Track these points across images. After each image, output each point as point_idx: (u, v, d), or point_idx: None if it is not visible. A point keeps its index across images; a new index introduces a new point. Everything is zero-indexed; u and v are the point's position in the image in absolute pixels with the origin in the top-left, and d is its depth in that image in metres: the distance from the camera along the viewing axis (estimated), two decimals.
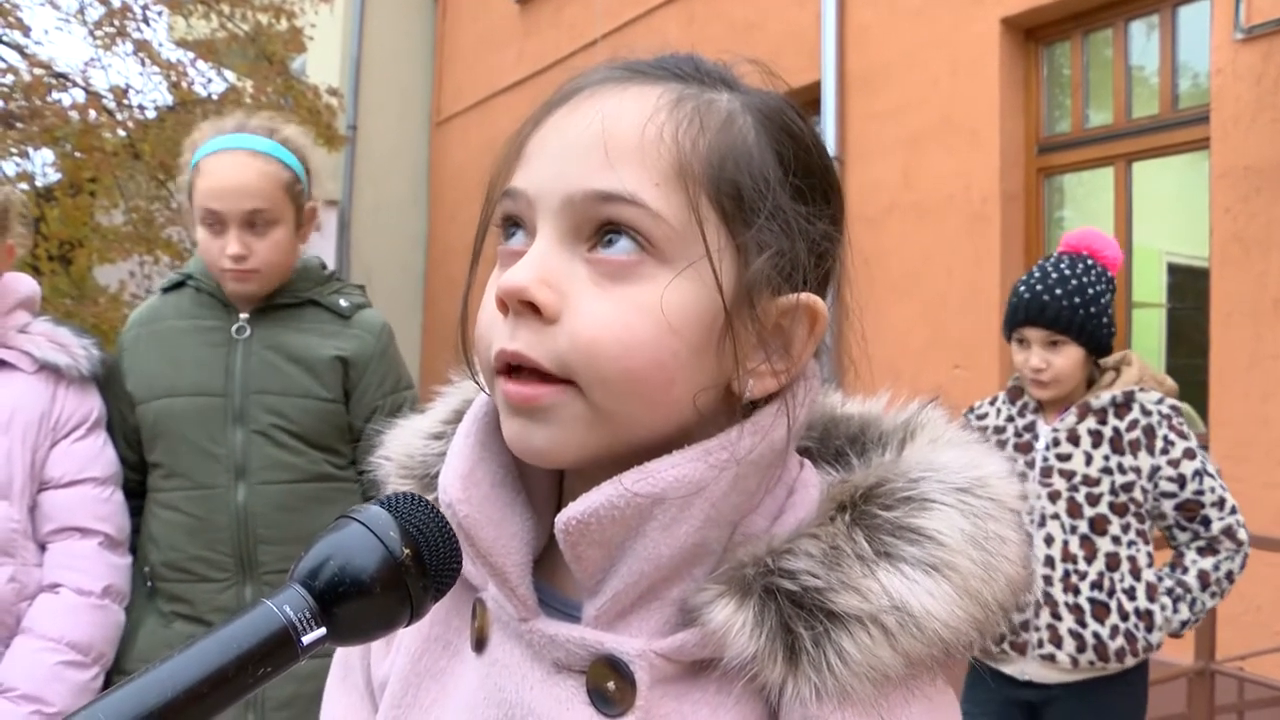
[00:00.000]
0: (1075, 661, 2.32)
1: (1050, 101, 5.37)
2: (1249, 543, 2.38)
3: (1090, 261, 2.43)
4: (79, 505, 1.80)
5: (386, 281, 9.89)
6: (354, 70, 10.45)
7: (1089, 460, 2.36)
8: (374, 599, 0.53)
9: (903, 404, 0.74)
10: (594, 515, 0.61)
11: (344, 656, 0.82)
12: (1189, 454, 2.33)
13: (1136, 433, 2.35)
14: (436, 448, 0.76)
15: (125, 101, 7.29)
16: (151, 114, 7.44)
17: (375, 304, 2.06)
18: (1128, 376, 2.41)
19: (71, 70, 7.19)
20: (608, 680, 0.62)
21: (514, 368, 0.62)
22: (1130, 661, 2.33)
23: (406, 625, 0.56)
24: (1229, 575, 2.36)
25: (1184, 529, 2.37)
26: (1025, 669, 2.38)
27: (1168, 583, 2.36)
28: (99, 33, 7.20)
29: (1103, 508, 2.34)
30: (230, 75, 8.05)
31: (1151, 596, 2.34)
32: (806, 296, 0.65)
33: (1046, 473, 2.39)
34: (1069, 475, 2.37)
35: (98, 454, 1.84)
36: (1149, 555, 2.37)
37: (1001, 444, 2.46)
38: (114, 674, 1.81)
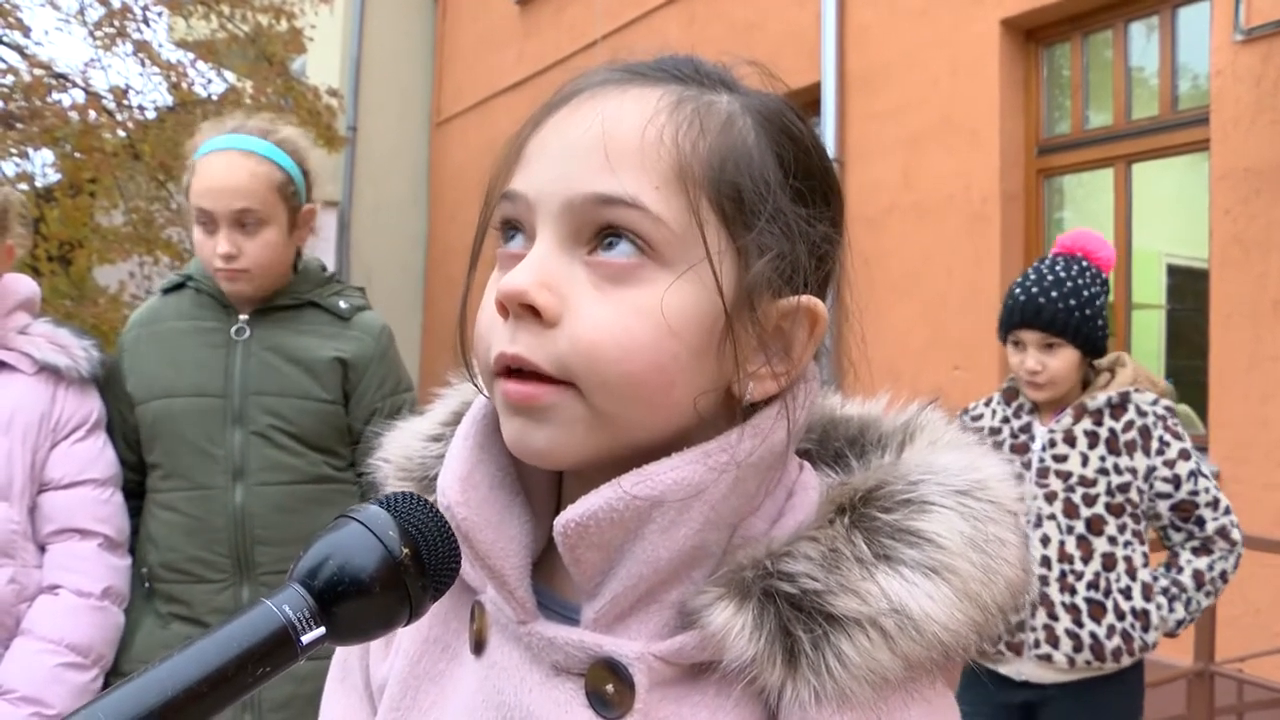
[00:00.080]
0: (1072, 661, 2.32)
1: (1050, 103, 5.38)
2: (1242, 543, 2.40)
3: (1085, 263, 2.44)
4: (79, 507, 1.80)
5: (386, 282, 9.90)
6: (354, 71, 10.46)
7: (1085, 461, 2.37)
8: (373, 598, 0.53)
9: (902, 406, 0.74)
10: (592, 518, 0.61)
11: (343, 658, 0.82)
12: (1184, 455, 2.35)
13: (1132, 433, 2.36)
14: (435, 450, 0.76)
15: (125, 102, 7.29)
16: (151, 115, 7.44)
17: (375, 304, 2.06)
18: (1122, 378, 2.43)
19: (71, 71, 7.20)
20: (606, 683, 0.62)
21: (514, 370, 0.62)
22: (1126, 661, 2.34)
23: (405, 625, 0.56)
24: (1223, 575, 2.37)
25: (1179, 529, 2.38)
26: (1021, 669, 2.39)
27: (1163, 582, 2.38)
28: (99, 33, 7.20)
29: (1099, 508, 2.35)
30: (230, 76, 8.05)
31: (1147, 596, 2.35)
32: (807, 299, 0.65)
33: (1043, 473, 2.40)
34: (1065, 476, 2.38)
35: (97, 455, 1.84)
36: (1145, 555, 2.39)
37: (997, 445, 2.46)
38: (111, 675, 1.81)
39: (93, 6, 7.25)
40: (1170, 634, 2.40)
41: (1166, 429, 2.36)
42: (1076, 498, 2.36)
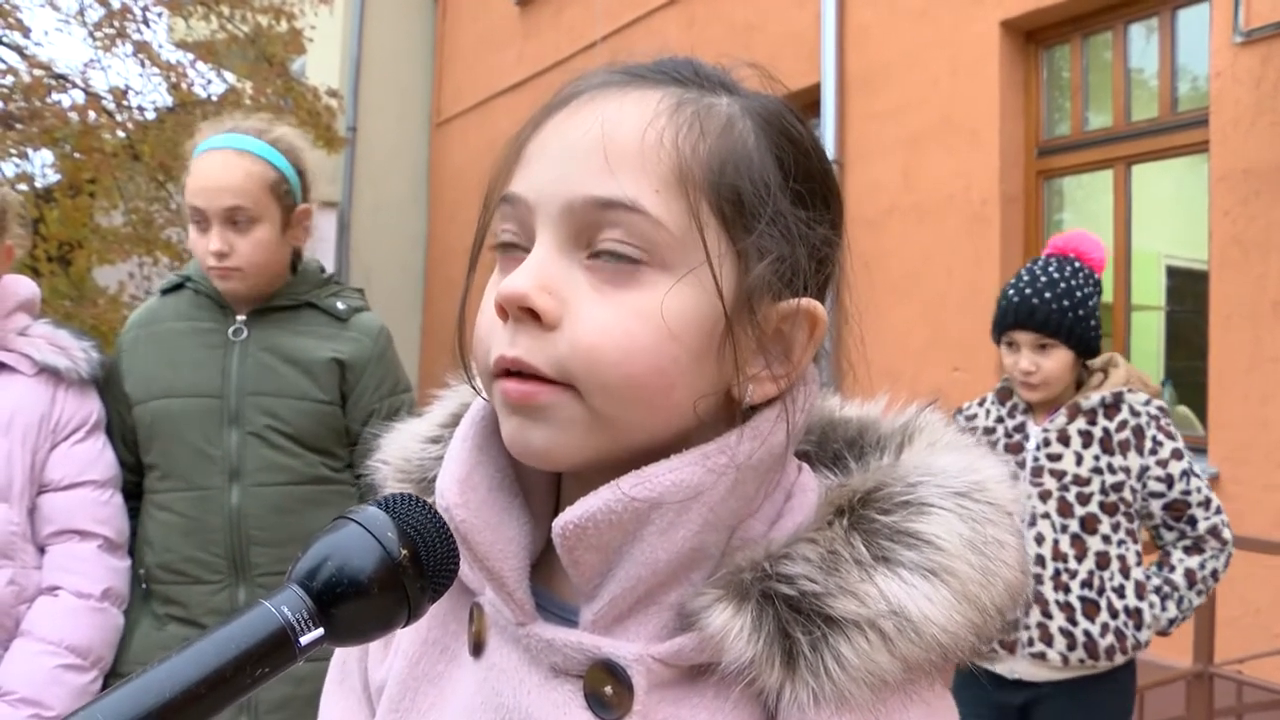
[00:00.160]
0: (1065, 659, 2.34)
1: (1050, 104, 5.38)
2: (1233, 542, 2.43)
3: (1078, 264, 2.46)
4: (78, 508, 1.80)
5: (386, 282, 9.90)
6: (354, 71, 10.46)
7: (1079, 460, 2.39)
8: (372, 599, 0.53)
9: (901, 407, 0.74)
10: (591, 520, 0.61)
11: (342, 659, 0.82)
12: (1177, 454, 2.38)
13: (1126, 433, 2.39)
14: (434, 451, 0.76)
15: (125, 103, 7.29)
16: (151, 115, 7.44)
17: (374, 305, 2.06)
18: (1115, 378, 2.45)
19: (71, 71, 7.20)
20: (605, 685, 0.62)
21: (513, 373, 0.62)
22: (1119, 659, 2.36)
23: (404, 626, 0.56)
24: (1214, 574, 2.40)
25: (1170, 528, 2.41)
26: (1015, 667, 2.40)
27: (1155, 581, 2.40)
28: (99, 34, 7.20)
29: (1093, 507, 2.37)
30: (230, 77, 8.05)
31: (1141, 595, 2.37)
32: (807, 302, 0.65)
33: (1037, 472, 2.42)
34: (1060, 475, 2.40)
35: (97, 457, 1.84)
36: (1138, 554, 2.42)
37: (991, 445, 2.47)
38: (109, 677, 1.81)
39: (92, 7, 7.25)
40: (1162, 632, 2.43)
41: (1159, 429, 2.39)
42: (1071, 497, 2.38)
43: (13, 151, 6.91)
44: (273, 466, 1.84)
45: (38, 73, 6.94)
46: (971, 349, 5.15)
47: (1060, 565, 2.36)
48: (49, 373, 1.81)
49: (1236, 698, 3.64)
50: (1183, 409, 4.80)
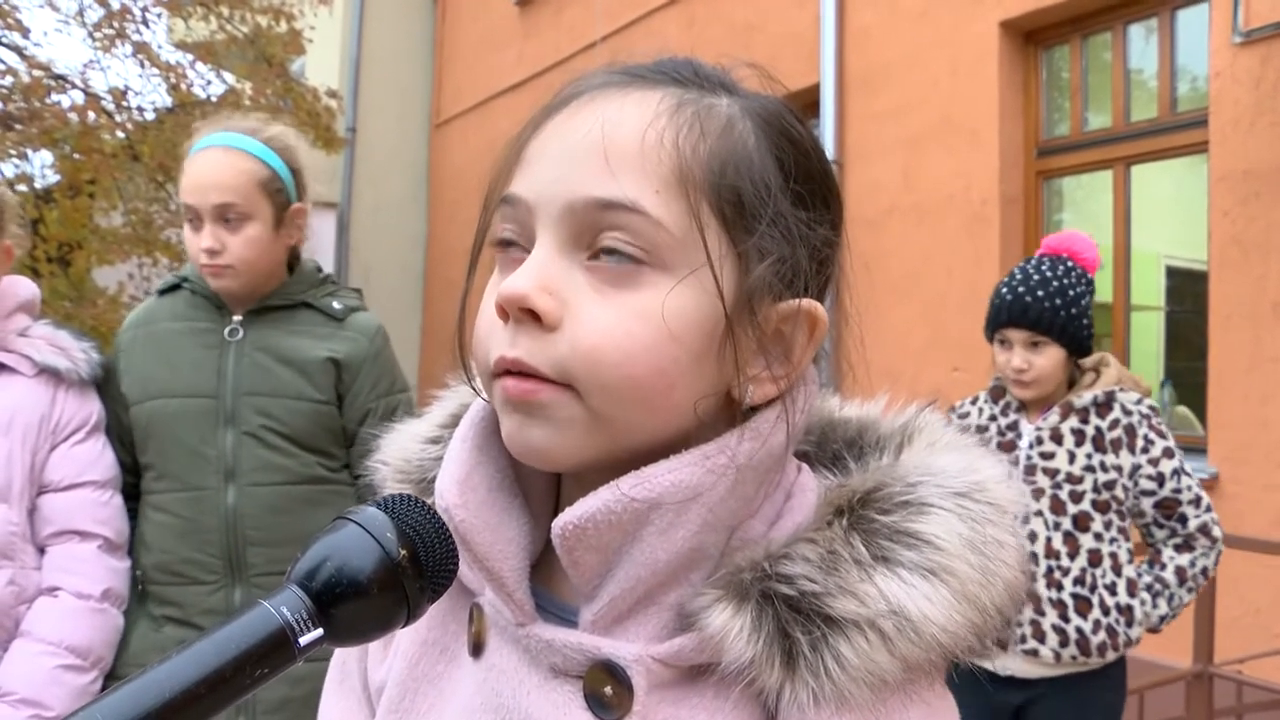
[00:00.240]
0: (1058, 656, 2.36)
1: (1049, 104, 5.38)
2: (1223, 540, 2.45)
3: (1070, 263, 2.48)
4: (78, 508, 1.80)
5: (385, 282, 9.90)
6: (353, 72, 10.46)
7: (1072, 458, 2.41)
8: (371, 600, 0.53)
9: (901, 407, 0.74)
10: (590, 520, 0.61)
11: (341, 660, 0.82)
12: (1168, 453, 2.40)
13: (1118, 431, 2.41)
14: (433, 452, 0.76)
15: (124, 103, 7.29)
16: (150, 116, 7.44)
17: (374, 305, 2.06)
18: (1107, 377, 2.47)
19: (71, 72, 7.20)
20: (605, 685, 0.62)
21: (513, 372, 0.62)
22: (1111, 656, 2.38)
23: (403, 626, 0.56)
24: (1204, 571, 2.43)
25: (1161, 526, 2.43)
26: (1008, 664, 2.42)
27: (1147, 579, 2.42)
28: (98, 34, 7.20)
29: (1085, 505, 2.39)
30: (229, 77, 8.05)
31: (1132, 592, 2.39)
32: (807, 302, 0.65)
33: (1030, 470, 2.43)
34: (1053, 473, 2.41)
35: (97, 457, 1.84)
36: (1129, 552, 2.44)
37: (984, 443, 2.49)
38: (107, 679, 1.81)
39: (92, 8, 7.25)
40: (1153, 629, 2.45)
41: (1151, 428, 2.41)
42: (1063, 494, 2.40)
43: (12, 152, 6.91)
44: (268, 466, 1.84)
45: (37, 73, 6.94)
46: (971, 349, 5.14)
47: (1053, 563, 2.38)
48: (49, 373, 1.81)
49: (1236, 698, 3.64)
50: (1182, 409, 4.80)
